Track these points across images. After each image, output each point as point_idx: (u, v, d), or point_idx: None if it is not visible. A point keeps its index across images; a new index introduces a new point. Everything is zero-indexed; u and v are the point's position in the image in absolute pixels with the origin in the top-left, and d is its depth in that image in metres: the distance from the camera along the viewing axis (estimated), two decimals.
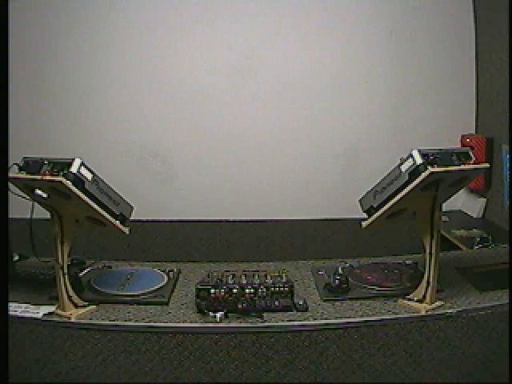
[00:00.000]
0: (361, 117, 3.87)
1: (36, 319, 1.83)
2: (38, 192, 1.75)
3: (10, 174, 1.75)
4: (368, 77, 3.85)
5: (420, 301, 1.88)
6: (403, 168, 1.79)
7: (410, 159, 1.77)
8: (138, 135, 3.84)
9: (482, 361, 1.90)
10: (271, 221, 3.85)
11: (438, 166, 1.76)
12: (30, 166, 1.76)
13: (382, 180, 1.87)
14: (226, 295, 1.86)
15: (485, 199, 3.74)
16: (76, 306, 1.86)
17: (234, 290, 1.87)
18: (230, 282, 1.93)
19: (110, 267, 2.29)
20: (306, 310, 1.88)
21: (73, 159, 1.74)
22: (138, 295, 1.98)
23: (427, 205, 1.84)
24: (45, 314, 1.84)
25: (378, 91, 3.87)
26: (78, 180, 1.73)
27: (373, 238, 3.33)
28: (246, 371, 1.82)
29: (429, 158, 1.77)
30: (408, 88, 3.86)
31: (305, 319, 1.83)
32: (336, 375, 1.83)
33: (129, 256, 2.69)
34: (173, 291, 2.05)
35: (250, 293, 1.88)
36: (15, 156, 1.81)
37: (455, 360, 1.88)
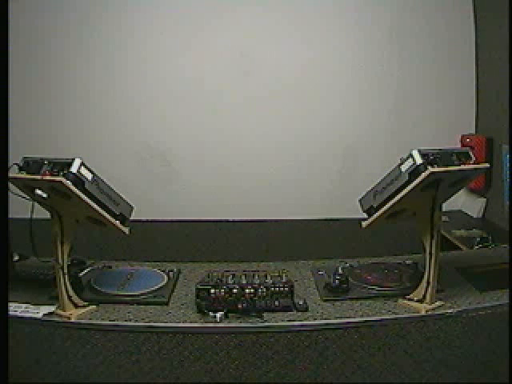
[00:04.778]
0: (361, 117, 3.87)
1: (36, 319, 1.83)
2: (38, 192, 1.75)
3: (10, 174, 1.75)
4: (368, 77, 3.85)
5: (420, 301, 1.88)
6: (403, 168, 1.79)
7: (410, 159, 1.77)
8: (138, 135, 3.85)
9: (481, 361, 1.90)
10: (271, 221, 3.85)
11: (438, 166, 1.76)
12: (30, 166, 1.76)
13: (382, 180, 1.87)
14: (226, 295, 1.86)
15: (485, 199, 3.74)
16: (76, 306, 1.86)
17: (234, 290, 1.87)
18: (230, 282, 1.93)
19: (110, 267, 2.29)
20: (306, 310, 1.88)
21: (73, 159, 1.74)
22: (138, 295, 1.97)
23: (427, 205, 1.83)
24: (45, 314, 1.84)
25: (378, 91, 3.87)
26: (78, 180, 1.73)
27: (373, 238, 3.33)
28: (246, 371, 1.81)
29: (429, 157, 1.77)
30: (408, 88, 3.86)
31: (305, 319, 1.83)
32: (336, 375, 1.83)
33: (129, 256, 2.69)
34: (173, 291, 2.05)
35: (250, 293, 1.88)
36: (15, 156, 1.81)
37: (455, 360, 1.88)
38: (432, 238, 1.84)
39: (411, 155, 1.77)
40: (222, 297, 1.85)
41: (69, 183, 1.70)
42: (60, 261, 1.82)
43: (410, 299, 1.91)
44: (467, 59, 3.84)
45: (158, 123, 3.84)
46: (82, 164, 1.75)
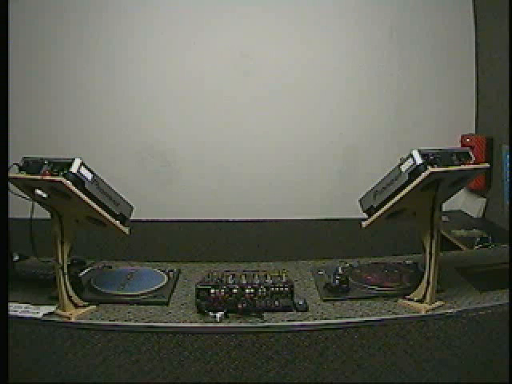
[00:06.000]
0: (361, 117, 3.87)
1: (36, 319, 1.83)
2: (38, 192, 1.75)
3: (10, 174, 1.75)
4: (368, 77, 3.85)
5: (420, 301, 1.88)
6: (403, 168, 1.79)
7: (410, 159, 1.77)
8: (139, 135, 3.84)
9: (481, 361, 1.90)
10: (271, 221, 3.85)
11: (438, 166, 1.76)
12: (30, 165, 1.76)
13: (382, 180, 1.87)
14: (226, 295, 1.86)
15: (485, 199, 3.74)
16: (76, 306, 1.86)
17: (234, 290, 1.87)
18: (230, 282, 1.93)
19: (110, 267, 2.29)
20: (306, 310, 1.88)
21: (73, 159, 1.74)
22: (138, 295, 1.98)
23: (427, 205, 1.84)
24: (45, 314, 1.84)
25: (378, 91, 3.87)
26: (78, 180, 1.73)
27: (373, 238, 3.32)
28: (246, 371, 1.81)
29: (429, 158, 1.77)
30: (408, 88, 3.86)
31: (305, 319, 1.83)
32: (336, 375, 1.83)
33: (129, 256, 2.69)
34: (173, 291, 2.05)
35: (250, 293, 1.88)
36: (15, 156, 1.81)
37: (455, 360, 1.88)
38: (432, 237, 1.84)
39: (411, 155, 1.78)
40: (222, 297, 1.85)
41: (69, 183, 1.70)
42: (60, 261, 1.82)
43: (410, 299, 1.91)
44: (467, 59, 3.84)
45: (159, 123, 3.84)
46: (82, 164, 1.75)
